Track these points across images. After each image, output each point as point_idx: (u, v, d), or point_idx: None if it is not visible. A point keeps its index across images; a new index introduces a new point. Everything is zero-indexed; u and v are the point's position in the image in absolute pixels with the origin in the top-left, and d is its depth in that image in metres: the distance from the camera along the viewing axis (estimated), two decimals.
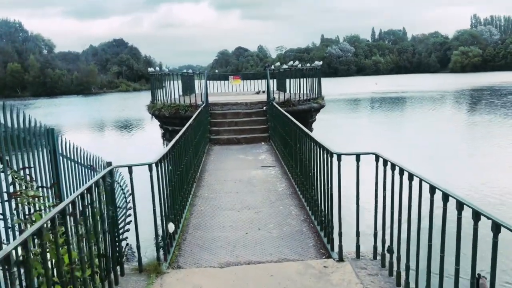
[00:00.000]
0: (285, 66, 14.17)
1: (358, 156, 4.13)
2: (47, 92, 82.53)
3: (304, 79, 13.52)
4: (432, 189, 3.06)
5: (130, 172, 4.00)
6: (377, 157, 4.00)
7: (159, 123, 14.19)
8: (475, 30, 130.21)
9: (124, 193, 7.76)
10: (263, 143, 11.61)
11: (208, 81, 22.08)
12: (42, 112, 43.42)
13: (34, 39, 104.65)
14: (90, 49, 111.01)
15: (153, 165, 4.10)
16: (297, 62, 14.16)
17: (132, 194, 4.13)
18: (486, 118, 26.18)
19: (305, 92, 13.48)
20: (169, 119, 12.90)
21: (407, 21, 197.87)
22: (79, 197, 3.13)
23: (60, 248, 2.88)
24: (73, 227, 3.12)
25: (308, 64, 14.06)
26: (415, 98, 43.72)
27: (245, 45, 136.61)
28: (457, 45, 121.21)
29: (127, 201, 7.55)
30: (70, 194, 5.11)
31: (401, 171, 3.57)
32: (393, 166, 3.72)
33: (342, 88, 58.98)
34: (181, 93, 14.68)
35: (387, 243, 3.92)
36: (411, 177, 3.42)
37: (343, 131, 23.02)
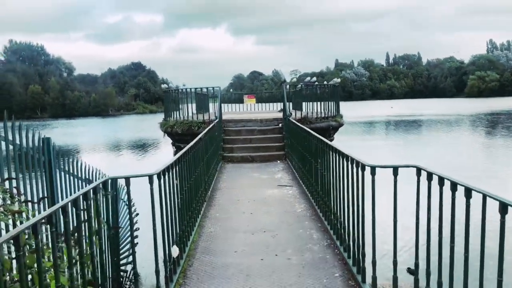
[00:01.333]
0: (307, 79, 13.60)
1: (396, 169, 3.48)
2: (66, 113, 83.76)
3: (322, 96, 12.93)
4: (504, 208, 2.38)
5: (128, 184, 3.41)
6: (419, 170, 3.34)
7: (171, 141, 13.70)
8: (491, 55, 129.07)
9: (130, 212, 7.13)
10: (279, 161, 10.97)
11: (222, 104, 21.93)
12: (59, 132, 43.70)
13: (55, 62, 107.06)
14: (108, 72, 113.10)
15: (154, 176, 3.50)
16: (314, 78, 13.58)
17: (129, 209, 3.53)
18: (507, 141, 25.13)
19: (322, 110, 12.88)
20: (181, 136, 12.40)
21: (421, 46, 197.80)
22: (59, 211, 2.52)
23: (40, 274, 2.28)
24: (57, 249, 2.52)
25: (325, 82, 13.48)
26: (431, 121, 42.69)
27: (260, 69, 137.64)
28: (473, 70, 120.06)
29: (134, 221, 6.92)
30: None
31: (453, 186, 2.90)
32: (441, 180, 3.05)
33: (357, 111, 58.28)
34: (195, 111, 14.24)
35: (435, 276, 3.21)
36: (468, 193, 2.74)
37: (361, 151, 22.20)
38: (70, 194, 5.22)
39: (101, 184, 3.29)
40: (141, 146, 29.46)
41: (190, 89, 13.07)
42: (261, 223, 5.79)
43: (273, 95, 23.73)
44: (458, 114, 49.77)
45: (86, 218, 2.98)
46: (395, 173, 3.47)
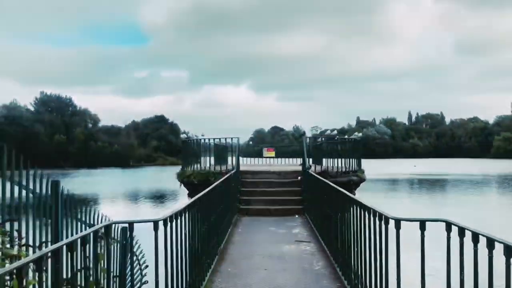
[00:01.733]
0: (328, 132, 13.43)
1: (423, 224, 3.15)
2: (88, 163, 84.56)
3: (343, 150, 12.70)
4: None
5: (131, 229, 3.17)
6: (449, 225, 3.01)
7: (187, 191, 13.51)
8: None
9: (139, 264, 6.81)
10: (297, 215, 10.58)
11: (241, 157, 21.87)
12: (79, 181, 44.14)
13: (81, 114, 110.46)
14: (132, 124, 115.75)
15: (160, 223, 3.26)
16: (335, 132, 13.44)
17: (131, 258, 3.27)
18: None
19: (343, 164, 12.59)
20: (197, 187, 12.20)
21: (444, 106, 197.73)
22: (49, 255, 2.29)
23: None
24: None
25: (346, 136, 13.31)
26: (457, 180, 41.41)
27: (280, 124, 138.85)
28: (498, 131, 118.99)
29: (143, 273, 6.58)
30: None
31: (490, 243, 2.56)
32: (475, 236, 2.72)
33: (380, 168, 57.45)
34: (213, 163, 14.15)
35: None
36: (509, 251, 2.40)
37: (385, 207, 21.41)
38: None
39: (103, 229, 3.07)
40: (159, 197, 29.33)
41: (209, 139, 13.08)
42: (276, 281, 5.39)
43: (293, 150, 23.62)
44: (486, 174, 48.28)
45: (83, 265, 2.73)
46: (422, 227, 3.15)
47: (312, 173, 9.54)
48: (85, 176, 52.73)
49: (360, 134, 13.25)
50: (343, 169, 12.50)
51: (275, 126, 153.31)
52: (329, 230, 6.53)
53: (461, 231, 2.89)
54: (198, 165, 13.07)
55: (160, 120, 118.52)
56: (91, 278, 2.90)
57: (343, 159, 12.73)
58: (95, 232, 2.86)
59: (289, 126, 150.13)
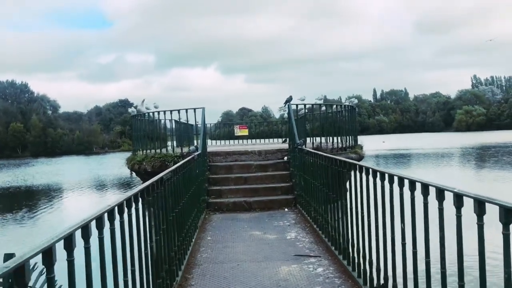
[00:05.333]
0: (314, 101, 10.47)
1: None
2: (48, 152, 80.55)
3: (337, 121, 9.94)
4: None
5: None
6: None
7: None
8: (477, 90, 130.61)
9: None
10: (286, 209, 7.87)
11: (210, 140, 18.99)
12: (32, 171, 40.20)
13: (39, 100, 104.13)
14: (94, 109, 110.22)
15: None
16: (321, 100, 10.55)
17: None
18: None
19: (338, 139, 9.86)
20: (152, 175, 9.15)
21: (407, 82, 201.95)
22: None
23: None
24: None
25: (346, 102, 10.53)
26: (432, 154, 40.40)
27: (249, 106, 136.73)
28: (460, 105, 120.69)
29: None
30: None
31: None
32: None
33: None
34: (175, 144, 11.15)
35: None
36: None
37: None
38: None
39: None
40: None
41: (165, 112, 9.91)
42: None
43: (269, 130, 20.84)
44: (460, 147, 47.76)
45: None
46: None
47: (309, 149, 6.73)
48: (41, 166, 48.42)
49: (356, 101, 10.52)
50: (339, 145, 9.76)
51: (243, 108, 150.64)
52: (345, 233, 3.83)
53: None
54: (154, 148, 10.01)
55: (124, 105, 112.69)
56: None
57: (337, 133, 9.99)
58: None
59: (257, 108, 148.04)
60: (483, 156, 37.07)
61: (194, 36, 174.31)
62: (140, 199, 3.24)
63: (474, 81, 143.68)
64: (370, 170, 3.97)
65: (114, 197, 19.08)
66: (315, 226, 6.17)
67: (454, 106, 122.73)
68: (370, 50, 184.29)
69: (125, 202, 2.80)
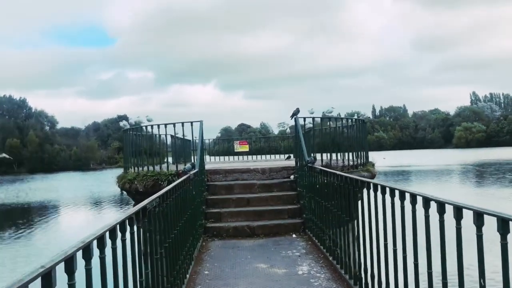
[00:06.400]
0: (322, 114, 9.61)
1: None
2: (44, 168, 79.41)
3: (347, 137, 9.10)
4: None
5: None
6: None
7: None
8: (476, 107, 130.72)
9: None
10: (294, 234, 6.99)
11: (210, 156, 18.14)
12: (26, 187, 39.24)
13: (36, 115, 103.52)
14: (92, 125, 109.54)
15: None
16: (332, 113, 9.71)
17: None
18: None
19: (350, 156, 9.00)
20: (144, 195, 8.27)
21: (406, 98, 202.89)
22: None
23: None
24: None
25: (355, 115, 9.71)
26: (433, 171, 39.64)
27: (247, 122, 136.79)
28: (459, 121, 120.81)
29: None
30: None
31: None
32: None
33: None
34: (170, 161, 10.29)
35: None
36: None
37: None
38: None
39: None
40: (118, 203, 25.07)
41: (159, 126, 9.02)
42: None
43: (268, 146, 20.05)
44: (465, 164, 47.07)
45: None
46: None
47: (322, 168, 5.88)
48: (33, 182, 47.47)
49: (365, 115, 9.69)
50: (351, 162, 8.90)
51: (242, 124, 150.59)
52: (372, 270, 3.06)
53: None
54: (147, 165, 9.12)
55: (122, 120, 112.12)
56: None
57: (346, 149, 9.14)
58: None
59: (256, 124, 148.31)
60: (485, 173, 36.39)
61: (194, 53, 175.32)
62: (110, 240, 2.37)
63: (473, 98, 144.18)
64: (408, 194, 3.20)
65: (108, 216, 18.19)
66: (330, 258, 5.28)
67: (453, 123, 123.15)
68: (369, 66, 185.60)
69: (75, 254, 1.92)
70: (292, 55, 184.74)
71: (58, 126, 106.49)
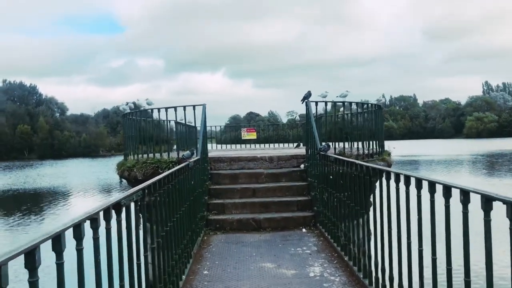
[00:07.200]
0: (337, 98, 8.90)
1: None
2: (54, 154, 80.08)
3: (361, 123, 8.42)
4: None
5: None
6: None
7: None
8: (488, 96, 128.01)
9: None
10: (304, 229, 6.40)
11: (216, 145, 17.60)
12: (34, 173, 39.37)
13: (47, 102, 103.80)
14: (102, 112, 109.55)
15: None
16: (345, 94, 8.99)
17: None
18: None
19: (364, 144, 8.34)
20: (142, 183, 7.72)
21: (416, 88, 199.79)
22: None
23: None
24: None
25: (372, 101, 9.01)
26: (443, 161, 38.81)
27: (256, 110, 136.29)
28: (470, 111, 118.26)
29: None
30: None
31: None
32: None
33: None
34: (175, 147, 9.75)
35: None
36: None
37: None
38: None
39: None
40: (124, 188, 24.80)
41: (159, 109, 8.42)
42: None
43: (277, 135, 19.38)
44: (469, 154, 46.22)
45: None
46: None
47: (334, 155, 5.27)
48: (42, 168, 47.61)
49: (383, 99, 8.98)
50: (366, 151, 8.24)
51: (251, 112, 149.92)
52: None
53: None
54: (147, 152, 8.56)
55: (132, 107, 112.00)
56: None
57: (362, 137, 8.47)
58: None
59: (264, 112, 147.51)
60: (496, 164, 35.53)
61: (203, 42, 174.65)
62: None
63: (485, 88, 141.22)
64: (441, 186, 2.67)
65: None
66: (346, 258, 4.68)
67: (464, 113, 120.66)
68: (379, 56, 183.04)
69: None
70: (301, 44, 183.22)
71: (68, 113, 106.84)
